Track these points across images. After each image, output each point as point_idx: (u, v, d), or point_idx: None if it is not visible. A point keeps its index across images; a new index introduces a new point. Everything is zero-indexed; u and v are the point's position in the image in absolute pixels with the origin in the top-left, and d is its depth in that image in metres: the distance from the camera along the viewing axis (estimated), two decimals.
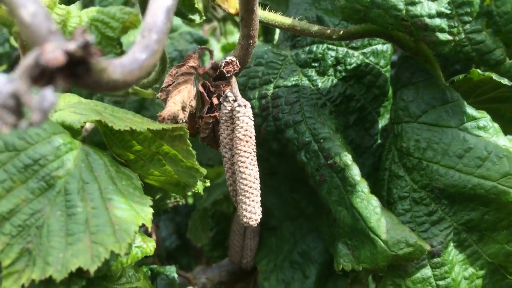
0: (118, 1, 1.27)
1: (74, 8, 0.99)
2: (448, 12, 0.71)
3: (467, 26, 0.71)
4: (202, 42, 1.26)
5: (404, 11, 0.72)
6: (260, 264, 1.04)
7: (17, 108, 0.42)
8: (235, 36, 1.65)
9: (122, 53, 1.03)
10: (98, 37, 0.99)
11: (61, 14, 0.96)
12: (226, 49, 1.55)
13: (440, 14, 0.72)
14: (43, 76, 0.43)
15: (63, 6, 0.98)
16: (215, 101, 0.83)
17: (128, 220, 0.63)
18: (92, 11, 1.01)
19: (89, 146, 0.69)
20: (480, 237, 0.81)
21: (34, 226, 0.62)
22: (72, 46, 0.42)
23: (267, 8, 1.07)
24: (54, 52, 0.41)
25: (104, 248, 0.60)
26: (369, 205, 0.78)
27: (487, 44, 0.70)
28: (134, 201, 0.66)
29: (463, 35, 0.71)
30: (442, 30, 0.72)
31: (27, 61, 0.41)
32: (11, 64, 1.48)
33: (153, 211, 0.67)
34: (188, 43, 1.24)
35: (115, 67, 0.48)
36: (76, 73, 0.45)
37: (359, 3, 0.74)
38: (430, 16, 0.72)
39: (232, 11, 0.78)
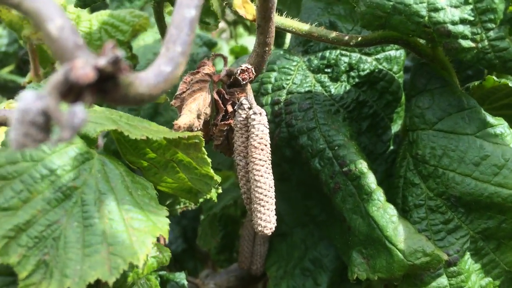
0: (136, 4, 1.27)
1: (84, 11, 0.98)
2: (472, 18, 0.71)
3: (490, 33, 0.70)
4: (211, 45, 1.25)
5: (426, 18, 0.72)
6: (270, 270, 1.03)
7: (46, 125, 0.42)
8: (243, 39, 1.64)
9: (133, 56, 1.02)
10: (109, 40, 0.99)
11: (71, 18, 0.95)
12: (234, 52, 1.54)
13: (463, 21, 0.71)
14: (71, 92, 0.42)
15: (72, 9, 0.98)
16: (229, 108, 0.82)
17: (145, 231, 0.63)
18: (102, 14, 1.00)
19: (105, 155, 0.68)
20: (497, 245, 0.80)
21: (51, 237, 0.61)
22: (102, 62, 0.41)
23: (282, 13, 1.07)
24: (84, 68, 0.41)
25: (123, 259, 0.59)
26: (385, 213, 0.78)
27: (510, 51, 0.70)
28: (150, 212, 0.65)
29: (486, 42, 0.71)
30: (465, 37, 0.71)
31: (56, 77, 0.41)
32: (18, 64, 1.47)
33: (169, 221, 0.66)
34: (197, 47, 1.23)
35: (141, 81, 0.47)
36: (104, 88, 0.44)
37: (380, 10, 0.74)
38: (453, 23, 0.71)
39: (250, 17, 0.77)
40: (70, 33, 0.43)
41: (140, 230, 0.63)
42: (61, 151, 0.64)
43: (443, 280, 0.79)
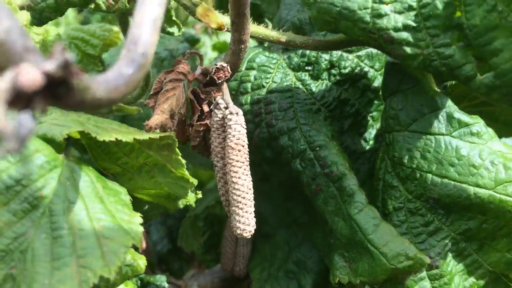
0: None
1: (52, 26, 0.96)
2: (415, 25, 0.68)
3: (435, 40, 0.67)
4: (193, 41, 1.22)
5: (371, 24, 0.69)
6: (254, 272, 1.01)
7: None
8: (227, 34, 1.62)
9: (104, 70, 0.99)
10: (79, 55, 0.96)
11: (39, 33, 0.93)
12: (217, 48, 1.51)
13: (406, 27, 0.68)
14: (19, 99, 0.39)
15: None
16: (205, 108, 0.80)
17: (117, 241, 0.60)
18: (71, 28, 0.98)
19: (74, 161, 0.66)
20: (479, 246, 0.78)
21: (18, 250, 0.58)
22: (50, 66, 0.39)
23: (260, 8, 1.04)
24: (31, 73, 0.38)
25: (93, 272, 0.56)
26: (367, 216, 0.76)
27: (455, 59, 0.67)
28: (123, 220, 0.63)
29: (431, 49, 0.68)
30: (409, 44, 0.68)
31: (2, 84, 0.38)
32: None
33: (143, 229, 0.64)
34: (179, 42, 1.20)
35: (99, 84, 0.45)
36: (56, 94, 0.41)
37: (328, 15, 0.72)
38: (396, 29, 0.68)
39: (214, 25, 0.74)
40: (18, 35, 0.40)
41: (111, 240, 0.60)
42: (27, 160, 0.61)
43: (425, 283, 0.77)
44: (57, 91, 0.41)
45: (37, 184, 0.61)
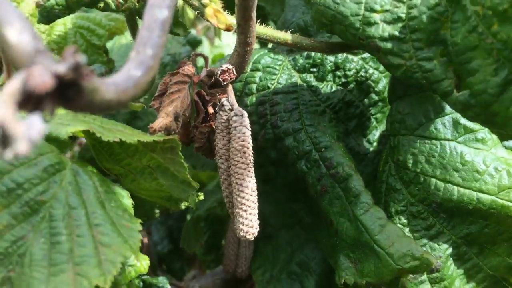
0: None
1: None
2: (402, 36, 0.68)
3: (419, 53, 0.68)
4: (195, 43, 1.22)
5: (360, 31, 0.70)
6: (256, 274, 1.01)
7: (1, 137, 0.39)
8: (228, 37, 1.61)
9: (108, 61, 0.99)
10: (84, 45, 0.96)
11: None
12: (215, 61, 1.50)
13: (392, 38, 0.69)
14: (29, 101, 0.39)
15: None
16: (210, 110, 0.79)
17: (115, 249, 0.60)
18: (77, 17, 0.97)
19: (79, 164, 0.65)
20: (480, 250, 0.79)
21: (16, 254, 0.58)
22: (61, 68, 0.39)
23: (265, 10, 1.04)
24: (42, 75, 0.38)
25: (88, 281, 0.56)
26: (373, 216, 0.76)
27: (435, 73, 0.67)
28: (122, 226, 0.62)
29: (414, 61, 0.68)
30: (393, 54, 0.69)
31: (12, 85, 0.38)
32: None
33: (141, 237, 0.64)
34: (180, 45, 1.20)
35: (108, 86, 0.45)
36: (66, 96, 0.41)
37: (324, 17, 0.73)
38: (382, 39, 0.69)
39: (222, 27, 0.74)
40: (30, 37, 0.40)
41: (109, 248, 0.60)
42: (30, 163, 0.61)
43: (426, 286, 0.77)
44: (67, 93, 0.41)
45: (39, 188, 0.61)
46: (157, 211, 0.95)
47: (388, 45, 0.69)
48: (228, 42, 1.63)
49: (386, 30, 0.69)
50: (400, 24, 0.68)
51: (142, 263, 0.70)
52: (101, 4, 0.77)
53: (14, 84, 0.38)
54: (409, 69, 0.68)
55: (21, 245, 0.58)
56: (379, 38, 0.69)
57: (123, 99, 0.47)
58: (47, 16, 0.82)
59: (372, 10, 0.70)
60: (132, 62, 0.49)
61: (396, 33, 0.68)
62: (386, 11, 0.69)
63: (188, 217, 1.44)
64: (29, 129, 0.38)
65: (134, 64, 0.49)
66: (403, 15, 0.68)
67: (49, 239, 0.59)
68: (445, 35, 0.65)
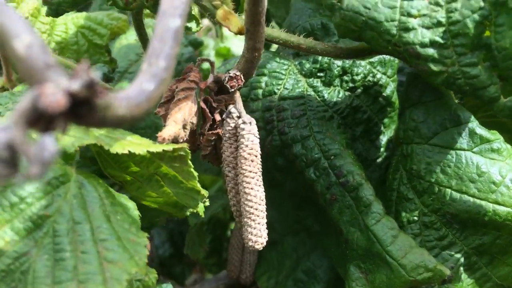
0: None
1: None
2: (443, 41, 0.66)
3: (462, 58, 0.65)
4: (197, 44, 1.20)
5: (397, 37, 0.67)
6: (260, 280, 1.00)
7: (13, 159, 0.37)
8: (229, 41, 1.59)
9: (111, 60, 0.97)
10: (86, 44, 0.93)
11: (46, 22, 0.90)
12: (220, 54, 1.48)
13: (433, 43, 0.66)
14: (41, 120, 0.37)
15: None
16: (217, 117, 0.78)
17: (120, 266, 0.58)
18: (78, 17, 0.94)
19: (83, 175, 0.63)
20: (490, 260, 0.78)
21: (19, 271, 0.56)
22: (75, 86, 0.37)
23: (269, 14, 1.02)
24: (54, 94, 0.36)
25: None
26: (385, 227, 0.75)
27: (481, 79, 0.65)
28: (128, 241, 0.61)
29: (456, 67, 0.66)
30: (434, 60, 0.66)
31: (23, 105, 0.36)
32: None
33: (148, 252, 0.62)
34: (182, 46, 1.18)
35: (121, 102, 0.43)
36: (78, 113, 0.39)
37: (353, 23, 0.69)
38: (423, 45, 0.66)
39: (234, 30, 0.72)
40: (39, 51, 0.38)
41: (115, 265, 0.58)
42: None
43: None
44: (79, 110, 0.39)
45: (42, 202, 0.59)
46: (162, 217, 0.93)
47: (429, 51, 0.66)
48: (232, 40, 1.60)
49: (426, 35, 0.66)
50: (440, 29, 0.65)
51: (150, 277, 0.68)
52: (109, 1, 0.74)
53: (26, 103, 0.36)
54: (451, 76, 0.66)
55: (24, 261, 0.56)
56: (420, 44, 0.66)
57: (136, 114, 0.45)
58: (55, 10, 0.80)
59: (409, 15, 0.67)
60: (144, 75, 0.47)
61: (437, 38, 0.66)
62: (424, 15, 0.66)
63: (189, 221, 1.42)
64: (42, 151, 0.36)
65: (146, 77, 0.47)
66: (443, 20, 0.66)
67: (52, 255, 0.57)
68: (488, 40, 0.63)
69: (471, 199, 0.74)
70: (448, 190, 0.75)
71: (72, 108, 0.38)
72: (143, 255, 0.59)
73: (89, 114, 0.40)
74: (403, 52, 0.68)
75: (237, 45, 1.56)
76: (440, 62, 0.66)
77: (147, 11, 0.87)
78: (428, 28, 0.66)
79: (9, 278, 0.56)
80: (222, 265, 1.36)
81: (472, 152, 0.74)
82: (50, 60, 0.38)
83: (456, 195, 0.75)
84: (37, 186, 0.59)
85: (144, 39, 0.90)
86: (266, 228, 0.76)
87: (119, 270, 0.56)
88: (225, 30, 1.58)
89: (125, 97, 0.44)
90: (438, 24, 0.66)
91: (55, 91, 0.36)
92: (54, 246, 0.57)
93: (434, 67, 0.67)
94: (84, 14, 0.94)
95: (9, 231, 0.56)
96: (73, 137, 0.64)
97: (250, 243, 0.75)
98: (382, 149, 0.93)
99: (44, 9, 0.88)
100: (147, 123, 1.05)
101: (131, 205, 0.64)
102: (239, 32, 0.72)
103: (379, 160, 0.92)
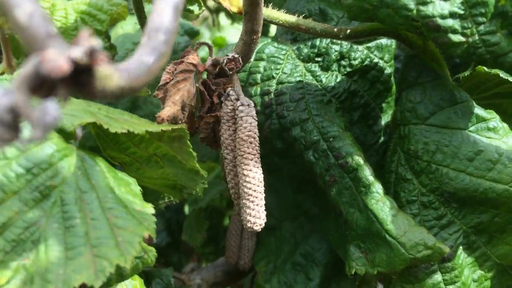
0: None
1: (59, 0, 0.93)
2: (462, 12, 0.67)
3: (481, 27, 0.67)
4: (193, 33, 1.20)
5: (415, 11, 0.68)
6: (259, 265, 1.01)
7: (15, 123, 0.38)
8: (226, 31, 1.59)
9: (111, 47, 0.97)
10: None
11: (46, 7, 0.90)
12: (216, 44, 1.48)
13: (453, 15, 0.67)
14: (43, 86, 0.38)
15: None
16: (215, 100, 0.78)
17: (131, 231, 0.59)
18: (78, 3, 0.94)
19: (84, 151, 0.64)
20: (489, 239, 0.79)
21: (30, 240, 0.57)
22: (77, 53, 0.37)
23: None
24: (57, 60, 0.36)
25: (109, 262, 0.55)
26: (384, 206, 0.75)
27: (502, 46, 0.67)
28: (135, 210, 0.61)
29: (476, 37, 0.67)
30: (454, 31, 0.68)
31: (25, 70, 0.36)
32: None
33: (155, 219, 0.63)
34: (179, 36, 1.18)
35: (121, 73, 0.43)
36: (79, 82, 0.39)
37: (367, 2, 0.70)
38: (443, 17, 0.68)
39: (235, 9, 0.73)
40: (40, 20, 0.39)
41: (125, 230, 0.59)
42: (37, 148, 0.60)
43: (437, 276, 0.77)
44: (81, 78, 0.40)
45: (48, 173, 0.60)
46: (161, 202, 0.93)
47: (449, 22, 0.67)
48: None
49: (444, 7, 0.67)
50: (458, 0, 0.67)
51: (149, 254, 0.69)
52: None
53: (28, 69, 0.36)
54: (472, 46, 0.67)
55: (34, 231, 0.57)
56: (440, 16, 0.67)
57: (135, 86, 0.46)
58: None
59: None
60: (144, 48, 0.47)
61: (456, 9, 0.67)
62: None
63: (186, 209, 1.42)
64: (44, 115, 0.37)
65: (146, 50, 0.47)
66: None
67: (63, 223, 0.57)
68: (504, 8, 0.65)
69: (468, 177, 0.75)
70: (446, 169, 0.76)
71: (74, 76, 0.38)
72: (151, 221, 0.60)
73: (90, 82, 0.40)
74: (421, 26, 0.69)
75: (233, 34, 1.56)
76: (460, 32, 0.67)
77: None
78: (445, 0, 0.67)
79: (19, 247, 0.56)
80: (219, 254, 1.37)
81: (469, 131, 0.75)
82: (52, 29, 0.39)
83: (454, 173, 0.76)
84: (41, 157, 0.59)
85: (143, 22, 0.90)
86: (265, 212, 0.77)
87: (131, 234, 0.57)
88: (221, 19, 1.59)
89: (125, 69, 0.44)
90: None
91: (57, 57, 0.37)
92: (63, 214, 0.58)
93: (454, 38, 0.68)
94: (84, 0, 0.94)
95: (17, 202, 0.57)
96: (72, 116, 0.64)
97: (249, 225, 0.76)
98: (379, 134, 0.93)
99: None
100: (145, 112, 1.06)
101: (132, 181, 0.65)
102: (240, 12, 0.73)
103: (377, 144, 0.93)
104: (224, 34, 1.55)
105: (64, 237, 0.57)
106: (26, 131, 0.38)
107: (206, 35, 1.71)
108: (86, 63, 0.38)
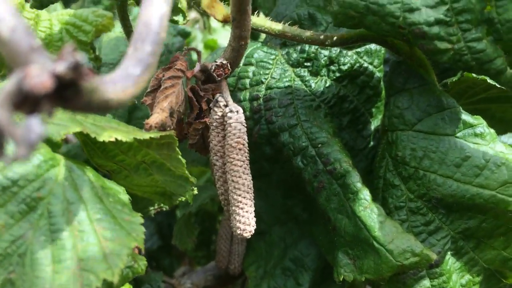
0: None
1: (44, 11, 0.92)
2: (448, 19, 0.67)
3: (467, 34, 0.67)
4: (185, 34, 1.20)
5: (401, 19, 0.68)
6: (249, 270, 1.00)
7: None
8: (218, 33, 1.59)
9: (96, 58, 0.96)
10: (70, 41, 0.93)
11: (30, 17, 0.89)
12: (208, 46, 1.48)
13: (438, 22, 0.67)
14: (26, 102, 0.37)
15: (32, 9, 0.91)
16: (204, 106, 0.78)
17: (119, 242, 0.58)
18: (63, 13, 0.94)
19: (72, 160, 0.63)
20: (476, 244, 0.79)
21: (16, 254, 0.56)
22: (60, 68, 0.37)
23: (256, 3, 1.02)
24: (40, 76, 0.36)
25: (95, 276, 0.54)
26: (372, 213, 0.75)
27: (487, 53, 0.67)
28: (123, 220, 0.61)
29: (462, 44, 0.67)
30: (440, 38, 0.68)
31: (8, 86, 0.36)
32: None
33: (144, 229, 0.62)
34: (172, 36, 1.18)
35: (107, 86, 0.43)
36: (64, 96, 0.39)
37: (353, 10, 0.70)
38: (429, 24, 0.68)
39: (220, 18, 0.72)
40: (23, 34, 0.38)
41: (113, 241, 0.59)
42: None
43: (425, 282, 0.77)
44: (65, 93, 0.39)
45: (34, 185, 0.59)
46: (151, 208, 0.93)
47: (435, 29, 0.67)
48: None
49: (430, 14, 0.67)
50: (443, 7, 0.67)
51: (140, 263, 0.68)
52: None
53: (11, 85, 0.36)
54: (457, 52, 0.67)
55: (20, 244, 0.56)
56: (425, 23, 0.67)
57: (122, 99, 0.45)
58: (40, 2, 0.79)
59: None
60: (130, 59, 0.47)
61: (442, 16, 0.67)
62: None
63: (178, 213, 1.42)
64: (28, 132, 0.36)
65: (132, 62, 0.47)
66: None
67: (49, 236, 0.57)
68: (490, 14, 0.65)
69: (456, 183, 0.75)
70: (433, 175, 0.76)
71: (58, 91, 0.38)
72: (140, 232, 0.59)
73: (75, 97, 0.40)
74: (407, 33, 0.69)
75: (225, 37, 1.56)
76: (446, 39, 0.67)
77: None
78: (431, 7, 0.67)
79: (6, 261, 0.56)
80: (210, 257, 1.36)
81: (456, 137, 0.75)
82: (35, 43, 0.38)
83: (441, 179, 0.76)
84: (27, 168, 0.59)
85: (128, 31, 0.89)
86: (255, 218, 0.77)
87: (119, 246, 0.56)
88: (213, 22, 1.58)
89: (112, 81, 0.44)
90: (441, 2, 0.67)
91: (40, 73, 0.36)
92: (50, 226, 0.57)
93: (440, 45, 0.68)
94: (69, 10, 0.93)
95: (3, 215, 0.56)
96: (59, 126, 0.63)
97: (239, 231, 0.75)
98: (369, 139, 0.94)
99: (28, 6, 0.87)
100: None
101: (121, 190, 0.64)
102: (225, 20, 0.72)
103: (366, 149, 0.93)
104: (216, 37, 1.54)
105: (51, 250, 0.56)
106: (10, 147, 0.38)
107: (198, 37, 1.71)
108: (70, 78, 0.38)
